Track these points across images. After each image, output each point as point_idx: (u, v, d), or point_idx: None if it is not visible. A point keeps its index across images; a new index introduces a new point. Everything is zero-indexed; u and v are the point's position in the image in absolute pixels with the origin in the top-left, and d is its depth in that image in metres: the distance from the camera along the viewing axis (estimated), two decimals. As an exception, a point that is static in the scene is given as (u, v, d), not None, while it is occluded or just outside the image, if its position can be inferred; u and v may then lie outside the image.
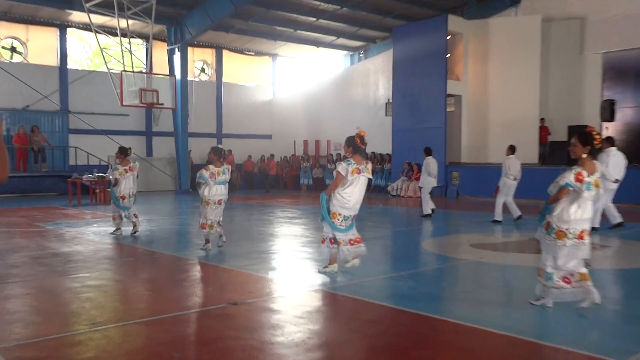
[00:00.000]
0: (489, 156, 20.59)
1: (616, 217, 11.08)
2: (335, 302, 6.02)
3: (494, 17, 22.29)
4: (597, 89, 20.07)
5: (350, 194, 7.02)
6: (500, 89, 20.60)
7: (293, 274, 7.53)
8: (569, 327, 5.16)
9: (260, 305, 5.86)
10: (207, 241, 9.01)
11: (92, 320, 5.28)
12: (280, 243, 10.47)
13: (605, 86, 20.04)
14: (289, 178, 26.82)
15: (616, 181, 10.60)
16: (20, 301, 6.11)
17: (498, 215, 12.70)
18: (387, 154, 22.84)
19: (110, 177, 11.43)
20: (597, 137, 5.55)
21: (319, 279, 7.08)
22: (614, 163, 10.63)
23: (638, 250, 9.63)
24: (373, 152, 23.87)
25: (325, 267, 7.23)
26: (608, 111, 17.72)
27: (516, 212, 12.87)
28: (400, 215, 15.38)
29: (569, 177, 5.39)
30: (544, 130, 20.25)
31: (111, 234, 10.85)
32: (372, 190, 21.41)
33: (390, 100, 22.89)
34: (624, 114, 18.80)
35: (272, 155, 26.58)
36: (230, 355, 4.35)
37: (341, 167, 7.02)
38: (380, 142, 23.53)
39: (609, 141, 10.86)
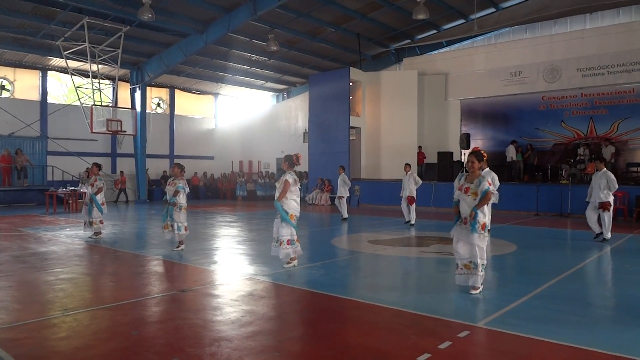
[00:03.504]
0: (382, 173, 21.12)
1: None
2: (263, 287, 5.99)
3: (384, 70, 23.04)
4: (457, 125, 21.12)
5: (297, 200, 6.97)
6: (389, 123, 21.21)
7: (230, 266, 7.41)
8: (442, 302, 5.30)
9: (203, 292, 5.76)
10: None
11: (64, 307, 5.04)
12: (220, 242, 10.28)
13: (463, 123, 21.13)
14: (228, 190, 26.40)
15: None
16: (3, 292, 5.72)
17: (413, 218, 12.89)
18: (305, 172, 22.99)
19: (92, 187, 10.22)
20: (485, 155, 5.71)
21: (250, 270, 7.03)
22: (492, 177, 11.14)
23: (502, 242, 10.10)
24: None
25: (289, 262, 6.97)
26: (465, 142, 18.53)
27: (408, 216, 13.01)
28: (315, 219, 15.45)
29: (485, 184, 5.36)
30: (421, 155, 20.93)
31: (92, 237, 10.14)
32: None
33: (307, 131, 23.10)
34: (476, 143, 19.75)
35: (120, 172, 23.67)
36: (179, 333, 4.25)
37: (289, 177, 6.84)
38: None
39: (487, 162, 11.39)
